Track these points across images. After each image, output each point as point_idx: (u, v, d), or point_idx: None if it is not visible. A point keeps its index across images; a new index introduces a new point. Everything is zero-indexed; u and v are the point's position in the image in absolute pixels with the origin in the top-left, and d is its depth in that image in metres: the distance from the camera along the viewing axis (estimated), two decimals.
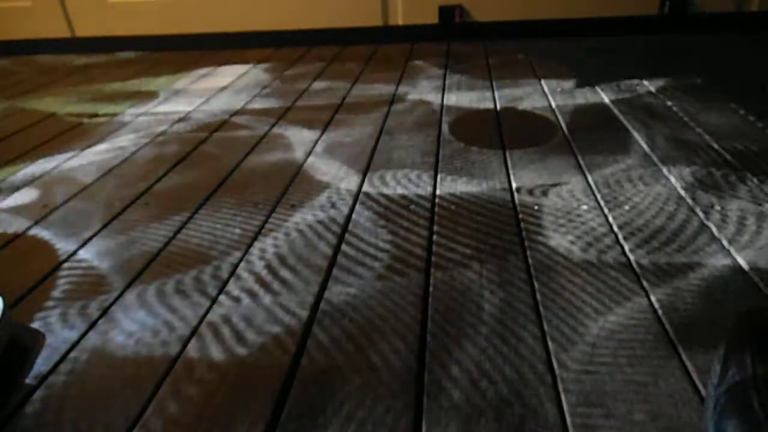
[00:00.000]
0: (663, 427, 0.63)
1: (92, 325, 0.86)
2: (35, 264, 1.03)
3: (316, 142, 1.55)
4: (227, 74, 2.37)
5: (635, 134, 1.46)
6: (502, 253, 0.98)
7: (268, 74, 2.34)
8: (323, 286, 0.91)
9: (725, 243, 0.96)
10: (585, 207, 1.11)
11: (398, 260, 0.97)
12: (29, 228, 1.17)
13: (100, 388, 0.73)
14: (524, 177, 1.26)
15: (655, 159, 1.31)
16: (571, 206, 1.12)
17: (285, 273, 0.96)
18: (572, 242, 0.99)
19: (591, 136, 1.47)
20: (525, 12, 2.63)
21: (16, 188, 1.37)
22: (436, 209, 1.14)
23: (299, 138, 1.59)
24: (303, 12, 2.74)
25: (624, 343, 0.75)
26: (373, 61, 2.46)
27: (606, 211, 1.09)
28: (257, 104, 1.93)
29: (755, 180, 1.18)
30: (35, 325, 0.86)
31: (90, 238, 1.11)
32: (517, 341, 0.77)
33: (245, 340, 0.80)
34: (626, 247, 0.97)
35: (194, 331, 0.83)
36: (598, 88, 1.86)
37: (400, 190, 1.23)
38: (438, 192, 1.21)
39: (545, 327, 0.79)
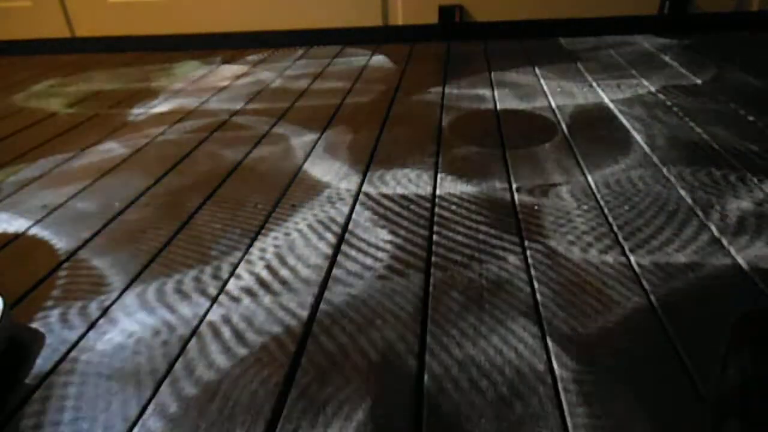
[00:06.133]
0: (663, 427, 0.63)
1: (92, 325, 0.86)
2: (35, 264, 1.03)
3: (317, 141, 1.55)
4: (227, 74, 2.37)
5: (635, 134, 1.46)
6: (502, 253, 0.98)
7: (268, 74, 2.33)
8: (323, 286, 0.91)
9: (725, 243, 0.96)
10: (585, 207, 1.11)
11: (398, 260, 0.97)
12: (29, 228, 1.17)
13: (100, 388, 0.73)
14: (524, 177, 1.26)
15: (655, 159, 1.31)
16: (571, 206, 1.12)
17: (285, 273, 0.96)
18: (572, 242, 0.99)
19: (591, 136, 1.47)
20: (525, 12, 2.63)
21: (16, 188, 1.37)
22: (436, 209, 1.14)
23: (299, 138, 1.59)
24: (303, 12, 2.74)
25: (624, 343, 0.75)
26: (373, 61, 2.46)
27: (606, 211, 1.09)
28: (257, 104, 1.93)
29: (755, 180, 1.18)
30: (35, 325, 0.86)
31: (90, 238, 1.11)
32: (517, 341, 0.77)
33: (245, 340, 0.80)
34: (626, 247, 0.97)
35: (194, 331, 0.83)
36: (598, 88, 1.86)
37: (400, 190, 1.23)
38: (438, 192, 1.21)
39: (545, 327, 0.79)
